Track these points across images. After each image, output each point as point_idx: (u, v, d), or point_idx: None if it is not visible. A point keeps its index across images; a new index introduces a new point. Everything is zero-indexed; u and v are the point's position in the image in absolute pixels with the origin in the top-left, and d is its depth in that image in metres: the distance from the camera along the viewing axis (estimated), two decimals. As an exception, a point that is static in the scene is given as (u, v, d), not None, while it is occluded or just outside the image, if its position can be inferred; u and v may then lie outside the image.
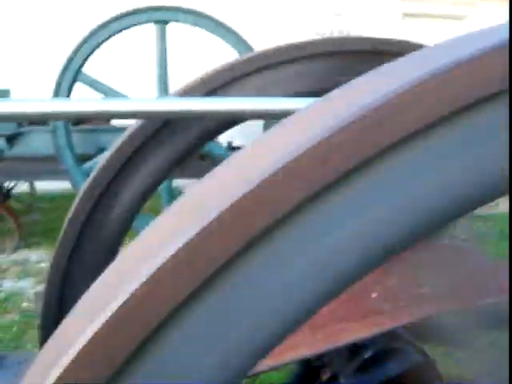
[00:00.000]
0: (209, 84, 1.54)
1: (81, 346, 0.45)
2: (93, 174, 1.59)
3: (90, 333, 0.45)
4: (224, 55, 5.82)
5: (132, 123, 1.60)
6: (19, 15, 8.71)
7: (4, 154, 6.08)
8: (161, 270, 0.44)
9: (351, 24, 9.69)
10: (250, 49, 5.43)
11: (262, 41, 5.61)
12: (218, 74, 1.55)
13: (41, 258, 5.80)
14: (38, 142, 6.18)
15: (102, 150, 5.85)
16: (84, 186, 1.60)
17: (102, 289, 0.53)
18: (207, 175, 0.53)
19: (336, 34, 9.63)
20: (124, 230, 1.61)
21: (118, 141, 1.60)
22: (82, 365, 0.46)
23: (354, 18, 9.68)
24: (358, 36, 1.66)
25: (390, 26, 9.84)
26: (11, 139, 6.12)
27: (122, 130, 5.25)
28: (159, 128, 1.55)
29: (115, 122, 6.40)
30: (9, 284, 5.11)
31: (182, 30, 5.64)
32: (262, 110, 1.40)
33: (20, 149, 6.17)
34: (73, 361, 0.46)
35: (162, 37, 5.45)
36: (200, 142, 1.66)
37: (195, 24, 5.47)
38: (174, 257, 0.44)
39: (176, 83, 5.47)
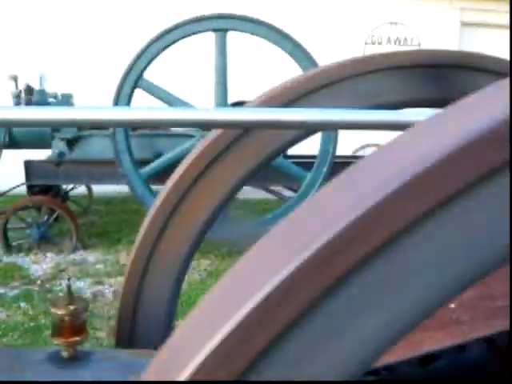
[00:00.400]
0: (287, 94, 1.58)
1: (218, 341, 0.49)
2: (171, 181, 1.64)
3: (227, 328, 0.49)
4: (281, 63, 5.88)
5: (211, 132, 1.64)
6: (84, 22, 8.94)
7: (64, 157, 6.25)
8: (301, 267, 0.48)
9: (408, 33, 9.62)
10: (308, 57, 5.46)
11: (316, 49, 5.65)
12: (296, 85, 1.59)
13: (97, 259, 5.93)
14: (97, 146, 6.34)
15: (159, 155, 5.97)
16: (163, 192, 1.66)
17: (233, 288, 0.56)
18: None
19: (393, 43, 9.58)
20: (201, 237, 1.66)
21: (194, 150, 1.65)
22: (219, 358, 0.49)
23: (410, 27, 9.60)
24: (442, 50, 1.67)
25: (447, 35, 9.73)
26: (71, 143, 6.29)
27: (179, 135, 5.32)
28: (237, 137, 1.59)
29: (173, 128, 6.51)
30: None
31: (242, 38, 5.70)
32: (338, 121, 1.42)
33: (80, 152, 6.34)
34: (210, 355, 0.49)
35: (222, 45, 5.53)
36: (277, 151, 1.69)
37: (253, 32, 5.52)
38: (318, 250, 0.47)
39: (234, 90, 5.53)
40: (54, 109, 0.87)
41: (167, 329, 1.70)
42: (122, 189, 8.24)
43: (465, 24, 9.95)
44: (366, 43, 9.46)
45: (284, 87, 1.61)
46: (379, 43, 9.52)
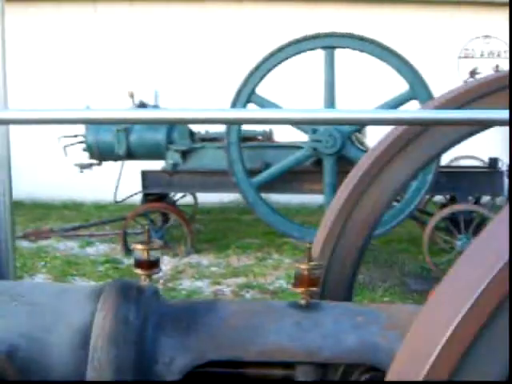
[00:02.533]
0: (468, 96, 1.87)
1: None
2: (352, 181, 1.95)
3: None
4: (387, 77, 6.14)
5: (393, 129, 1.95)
6: (197, 42, 9.57)
7: (178, 167, 6.71)
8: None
9: (500, 46, 9.69)
10: (414, 72, 5.72)
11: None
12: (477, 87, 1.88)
13: (211, 262, 6.33)
14: (208, 157, 6.77)
15: (268, 166, 6.32)
16: (347, 184, 1.97)
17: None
18: None
19: (486, 56, 9.68)
20: (377, 222, 1.97)
21: (378, 145, 1.96)
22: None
23: (503, 40, 9.67)
24: None
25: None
26: (185, 154, 6.75)
27: (286, 147, 5.64)
28: (417, 134, 1.90)
29: (279, 139, 6.88)
30: (187, 283, 5.66)
31: (349, 54, 6.02)
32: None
33: (192, 163, 6.79)
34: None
35: (330, 62, 5.86)
36: (443, 150, 1.99)
37: (360, 49, 5.83)
38: None
39: (341, 103, 5.82)
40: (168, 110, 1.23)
41: (349, 292, 2.01)
42: (222, 198, 8.70)
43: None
44: (459, 57, 9.61)
45: (457, 93, 1.91)
46: (472, 57, 9.64)
